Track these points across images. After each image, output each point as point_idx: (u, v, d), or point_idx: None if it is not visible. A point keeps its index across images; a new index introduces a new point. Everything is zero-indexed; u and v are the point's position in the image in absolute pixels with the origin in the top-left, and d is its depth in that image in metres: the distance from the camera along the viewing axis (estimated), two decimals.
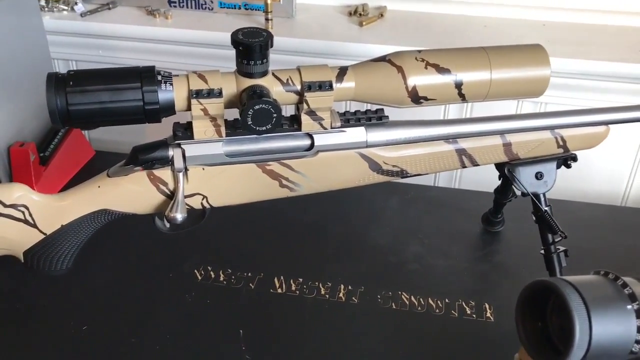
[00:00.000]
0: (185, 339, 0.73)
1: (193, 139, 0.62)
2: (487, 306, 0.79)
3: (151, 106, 0.58)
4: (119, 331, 0.74)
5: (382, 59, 0.64)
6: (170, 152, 0.62)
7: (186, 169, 0.63)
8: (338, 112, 0.66)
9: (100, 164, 1.04)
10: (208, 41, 1.06)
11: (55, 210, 0.64)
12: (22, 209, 0.63)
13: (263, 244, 0.89)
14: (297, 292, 0.80)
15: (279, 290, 0.80)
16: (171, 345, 0.72)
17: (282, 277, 0.82)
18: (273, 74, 0.61)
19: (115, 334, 0.74)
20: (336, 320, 0.77)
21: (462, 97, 0.65)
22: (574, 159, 0.75)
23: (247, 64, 0.59)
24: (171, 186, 0.64)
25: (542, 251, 0.75)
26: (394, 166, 0.68)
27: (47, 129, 1.01)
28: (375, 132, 0.67)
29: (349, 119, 0.66)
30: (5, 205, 0.62)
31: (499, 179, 0.81)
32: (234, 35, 0.58)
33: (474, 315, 0.77)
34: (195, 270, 0.83)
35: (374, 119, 0.67)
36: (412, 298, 0.80)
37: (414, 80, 0.63)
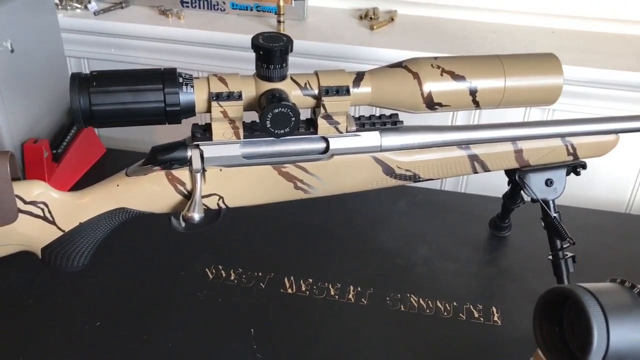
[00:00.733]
0: (196, 336, 0.74)
1: (211, 140, 0.63)
2: (494, 310, 0.80)
3: (172, 107, 0.59)
4: (132, 328, 0.75)
5: (399, 65, 0.65)
6: (189, 153, 0.63)
7: (204, 170, 0.64)
8: (353, 116, 0.67)
9: (111, 162, 1.06)
10: (220, 42, 1.07)
11: (73, 207, 0.65)
12: (42, 206, 0.64)
13: (273, 244, 0.90)
14: (307, 292, 0.81)
15: (289, 291, 0.81)
16: (183, 343, 0.73)
17: (292, 278, 0.83)
18: (291, 78, 0.62)
19: (128, 330, 0.75)
20: (346, 320, 0.78)
21: (476, 104, 0.66)
22: (584, 166, 0.76)
23: (267, 68, 0.60)
24: (189, 186, 0.64)
25: (550, 257, 0.76)
26: (407, 170, 0.69)
27: (59, 126, 1.02)
28: (389, 136, 0.68)
29: (364, 124, 0.67)
30: (25, 202, 0.63)
31: (509, 185, 0.82)
32: (255, 40, 0.59)
33: (482, 319, 0.78)
34: (207, 269, 0.84)
35: (389, 123, 0.68)
36: (421, 300, 0.81)
37: (429, 87, 0.64)
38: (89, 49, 1.13)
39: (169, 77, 0.59)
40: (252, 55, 0.60)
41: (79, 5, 1.12)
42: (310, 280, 0.83)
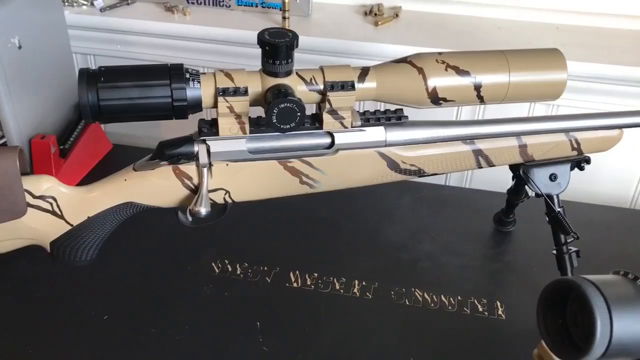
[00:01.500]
0: (203, 330, 0.75)
1: (218, 135, 0.63)
2: (498, 304, 0.80)
3: (179, 103, 0.59)
4: (139, 321, 0.76)
5: (403, 60, 0.66)
6: (196, 148, 0.64)
7: (210, 165, 0.64)
8: (358, 111, 0.68)
9: (118, 157, 1.07)
10: (225, 38, 1.07)
11: (82, 202, 0.66)
12: (51, 200, 0.65)
13: (279, 238, 0.90)
14: (313, 286, 0.82)
15: (295, 285, 0.82)
16: (189, 336, 0.74)
17: (297, 272, 0.84)
18: (297, 73, 0.63)
19: (136, 324, 0.76)
20: (351, 314, 0.78)
21: (481, 99, 0.67)
22: (588, 161, 0.76)
23: (273, 64, 0.60)
24: (195, 181, 0.65)
25: (554, 251, 0.76)
26: (411, 165, 0.70)
27: (67, 122, 1.02)
28: (394, 131, 0.68)
29: (368, 119, 0.67)
30: (34, 197, 0.64)
31: (513, 180, 0.82)
32: (261, 36, 0.60)
33: (486, 313, 0.79)
34: (213, 264, 0.85)
35: (394, 118, 0.68)
36: (425, 295, 0.81)
37: (434, 82, 0.65)
38: (95, 45, 1.13)
39: (176, 73, 0.59)
40: (258, 51, 0.61)
41: (85, 2, 1.12)
42: (316, 274, 0.84)
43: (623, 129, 0.74)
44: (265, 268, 0.84)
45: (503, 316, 0.78)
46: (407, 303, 0.80)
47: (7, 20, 0.85)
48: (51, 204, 0.65)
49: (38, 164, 0.93)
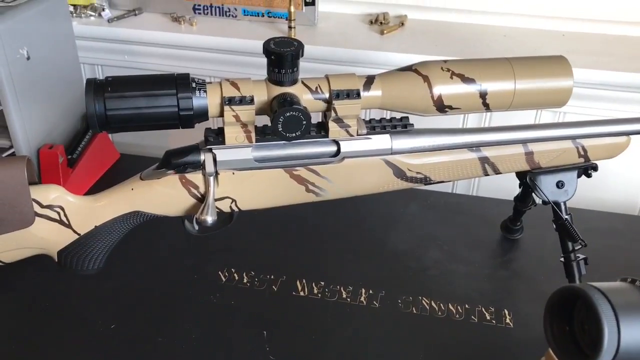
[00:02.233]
0: (210, 339, 0.75)
1: (224, 144, 0.64)
2: (506, 312, 0.80)
3: (186, 112, 0.60)
4: (146, 330, 0.76)
5: (409, 68, 0.66)
6: (202, 157, 0.64)
7: (217, 173, 0.65)
8: (364, 119, 0.68)
9: (125, 167, 1.08)
10: (232, 48, 1.08)
11: (89, 211, 0.66)
12: (58, 209, 0.65)
13: (285, 247, 0.90)
14: (319, 295, 0.82)
15: (302, 293, 0.82)
16: (196, 345, 0.74)
17: (304, 280, 0.84)
18: (302, 82, 0.63)
19: (143, 333, 0.76)
20: (358, 323, 0.78)
21: (486, 107, 0.67)
22: (595, 168, 0.76)
23: (279, 73, 0.61)
24: (202, 190, 0.65)
25: (562, 259, 0.76)
26: (418, 173, 0.70)
27: (74, 132, 1.03)
28: (400, 139, 0.68)
29: (374, 127, 0.68)
30: (42, 206, 0.64)
31: (520, 187, 0.82)
32: (267, 45, 0.60)
33: (494, 321, 0.78)
34: (220, 272, 0.85)
35: (399, 126, 0.68)
36: (433, 303, 0.81)
37: (439, 90, 0.65)
38: (103, 55, 1.14)
39: (182, 82, 0.59)
40: (264, 60, 0.61)
41: (93, 13, 1.14)
42: (322, 283, 0.84)
43: (630, 136, 0.74)
44: (272, 277, 0.84)
45: (511, 324, 0.78)
46: (415, 311, 0.80)
47: (15, 32, 0.86)
48: (59, 213, 0.65)
49: (46, 174, 0.94)
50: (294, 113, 0.59)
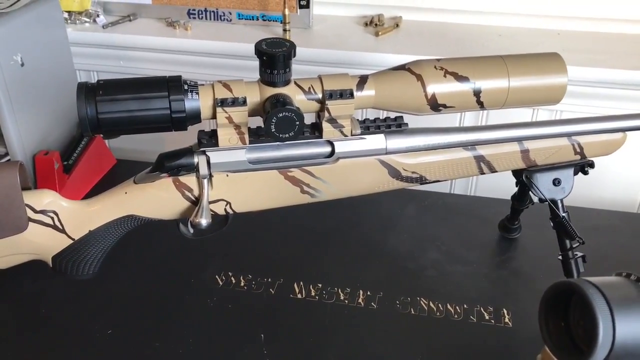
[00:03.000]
0: (207, 343, 0.74)
1: (217, 146, 0.63)
2: (505, 312, 0.79)
3: (178, 114, 0.59)
4: (143, 335, 0.75)
5: (402, 67, 0.66)
6: (196, 159, 0.64)
7: (211, 176, 0.64)
8: (358, 119, 0.68)
9: (122, 172, 1.07)
10: (227, 52, 1.08)
11: (83, 215, 0.66)
12: (52, 214, 0.65)
13: (282, 250, 0.90)
14: (317, 297, 0.81)
15: (299, 296, 0.82)
16: (194, 350, 0.74)
17: (301, 283, 0.83)
18: (295, 82, 0.63)
19: (139, 338, 0.75)
20: (356, 325, 0.78)
21: (481, 105, 0.66)
22: (591, 165, 0.76)
23: (271, 73, 0.60)
24: (196, 192, 0.65)
25: (560, 257, 0.75)
26: (413, 173, 0.70)
27: (70, 138, 1.03)
28: (394, 139, 0.68)
29: (368, 127, 0.67)
30: (35, 211, 0.64)
31: (516, 186, 0.82)
32: (258, 46, 0.60)
33: (493, 321, 0.78)
34: (217, 276, 0.84)
35: (393, 126, 0.68)
36: (431, 304, 0.80)
37: (433, 88, 0.64)
38: (98, 61, 1.14)
39: (174, 85, 0.59)
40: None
41: (88, 19, 1.14)
42: (320, 285, 0.83)
43: (626, 133, 0.73)
44: (269, 279, 0.84)
45: (510, 324, 0.78)
46: (413, 312, 0.79)
47: (9, 38, 0.86)
48: (52, 218, 0.65)
49: (42, 180, 0.93)
50: (286, 114, 0.59)
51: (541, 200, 0.76)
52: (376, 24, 1.13)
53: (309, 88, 0.63)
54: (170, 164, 0.64)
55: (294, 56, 0.61)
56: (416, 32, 1.11)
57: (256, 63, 0.61)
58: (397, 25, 1.12)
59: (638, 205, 1.11)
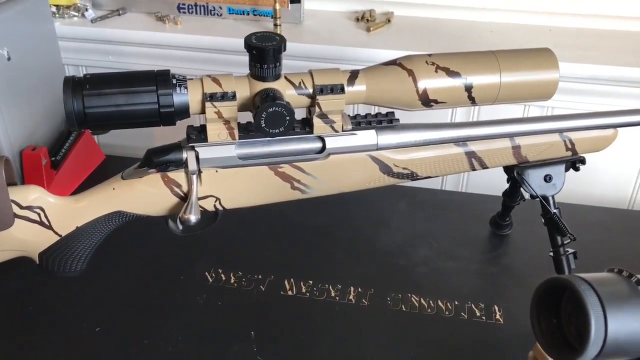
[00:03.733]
0: (197, 340, 0.74)
1: (207, 141, 0.63)
2: (496, 308, 0.79)
3: (166, 109, 0.59)
4: (132, 333, 0.75)
5: (393, 62, 0.65)
6: (184, 155, 0.63)
7: (200, 171, 0.64)
8: (349, 115, 0.67)
9: (111, 168, 1.06)
10: (217, 47, 1.07)
11: (70, 212, 0.65)
12: (38, 210, 0.64)
13: (273, 246, 0.89)
14: (308, 294, 0.81)
15: (290, 293, 0.81)
16: (183, 347, 0.73)
17: (292, 280, 0.83)
18: (285, 77, 0.62)
19: (128, 335, 0.74)
20: (346, 322, 0.77)
21: (472, 100, 0.66)
22: (583, 161, 0.76)
23: (261, 68, 0.60)
24: (185, 188, 0.64)
25: (551, 253, 0.75)
26: (404, 169, 0.69)
27: (58, 133, 1.02)
28: (385, 134, 0.67)
29: (359, 122, 0.67)
30: (21, 207, 0.63)
31: (508, 182, 0.82)
32: (248, 40, 0.59)
33: (484, 318, 0.78)
34: (206, 273, 0.84)
35: (385, 122, 0.67)
36: (422, 300, 0.80)
37: (424, 84, 0.64)
38: (87, 56, 1.13)
39: (162, 79, 0.59)
40: None
41: (76, 14, 1.12)
42: (311, 281, 0.83)
43: (617, 129, 0.73)
44: (260, 276, 0.83)
45: (501, 320, 0.77)
46: (404, 309, 0.79)
47: None
48: (39, 214, 0.64)
49: (29, 176, 0.92)
50: (276, 109, 0.58)
51: (532, 197, 0.75)
52: (368, 20, 1.12)
53: (300, 83, 0.62)
54: (159, 160, 0.63)
55: (284, 50, 0.60)
56: (408, 28, 1.11)
57: (247, 58, 0.61)
58: (389, 21, 1.12)
59: (629, 202, 1.11)
